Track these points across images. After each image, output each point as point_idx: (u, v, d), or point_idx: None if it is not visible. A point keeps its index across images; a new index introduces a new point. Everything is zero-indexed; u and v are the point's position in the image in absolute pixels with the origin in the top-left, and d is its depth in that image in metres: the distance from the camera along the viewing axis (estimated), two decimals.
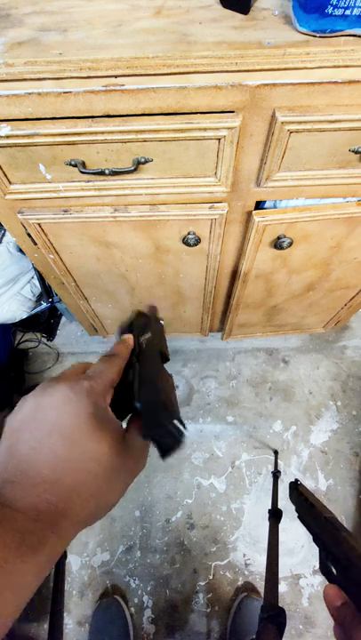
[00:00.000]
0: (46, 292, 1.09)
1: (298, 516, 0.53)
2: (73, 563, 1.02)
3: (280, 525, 0.76)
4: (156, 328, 0.42)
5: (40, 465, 0.23)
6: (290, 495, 0.59)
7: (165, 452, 0.29)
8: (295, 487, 0.57)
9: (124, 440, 0.27)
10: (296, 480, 0.60)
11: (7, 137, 0.49)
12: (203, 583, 1.00)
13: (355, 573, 0.34)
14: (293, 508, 0.57)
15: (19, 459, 0.24)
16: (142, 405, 0.29)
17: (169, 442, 0.28)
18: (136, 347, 0.36)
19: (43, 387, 0.27)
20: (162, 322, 0.45)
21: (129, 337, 0.37)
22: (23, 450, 0.24)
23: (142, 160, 0.53)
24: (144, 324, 0.41)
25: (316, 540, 0.46)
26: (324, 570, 0.42)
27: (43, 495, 0.22)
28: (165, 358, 0.39)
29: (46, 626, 0.94)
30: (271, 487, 0.90)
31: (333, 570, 0.40)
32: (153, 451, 0.30)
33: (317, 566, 1.02)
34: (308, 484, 1.12)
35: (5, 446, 0.25)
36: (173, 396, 0.33)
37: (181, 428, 0.30)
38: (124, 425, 0.30)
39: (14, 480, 0.22)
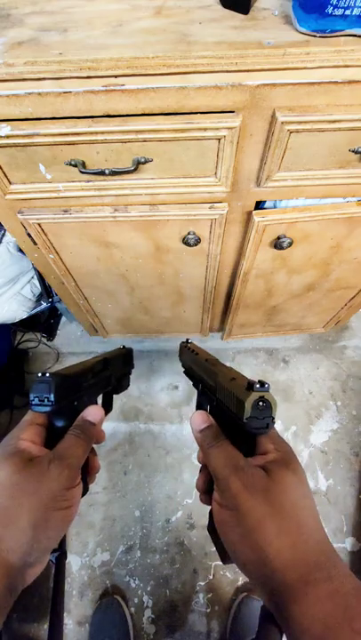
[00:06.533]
0: (46, 292, 1.09)
1: (184, 372, 0.58)
2: (73, 563, 1.02)
3: None
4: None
5: None
6: (180, 355, 0.62)
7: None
8: (186, 346, 0.60)
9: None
10: (187, 339, 0.63)
11: (7, 137, 0.49)
12: (203, 583, 1.00)
13: (221, 392, 0.36)
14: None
15: None
16: None
17: None
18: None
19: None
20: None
21: (98, 417, 0.38)
22: None
23: (142, 160, 0.53)
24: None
25: (197, 383, 0.49)
26: (198, 407, 0.46)
27: None
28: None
29: (46, 626, 0.94)
30: None
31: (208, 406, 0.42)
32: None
33: None
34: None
35: None
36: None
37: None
38: None
39: None
